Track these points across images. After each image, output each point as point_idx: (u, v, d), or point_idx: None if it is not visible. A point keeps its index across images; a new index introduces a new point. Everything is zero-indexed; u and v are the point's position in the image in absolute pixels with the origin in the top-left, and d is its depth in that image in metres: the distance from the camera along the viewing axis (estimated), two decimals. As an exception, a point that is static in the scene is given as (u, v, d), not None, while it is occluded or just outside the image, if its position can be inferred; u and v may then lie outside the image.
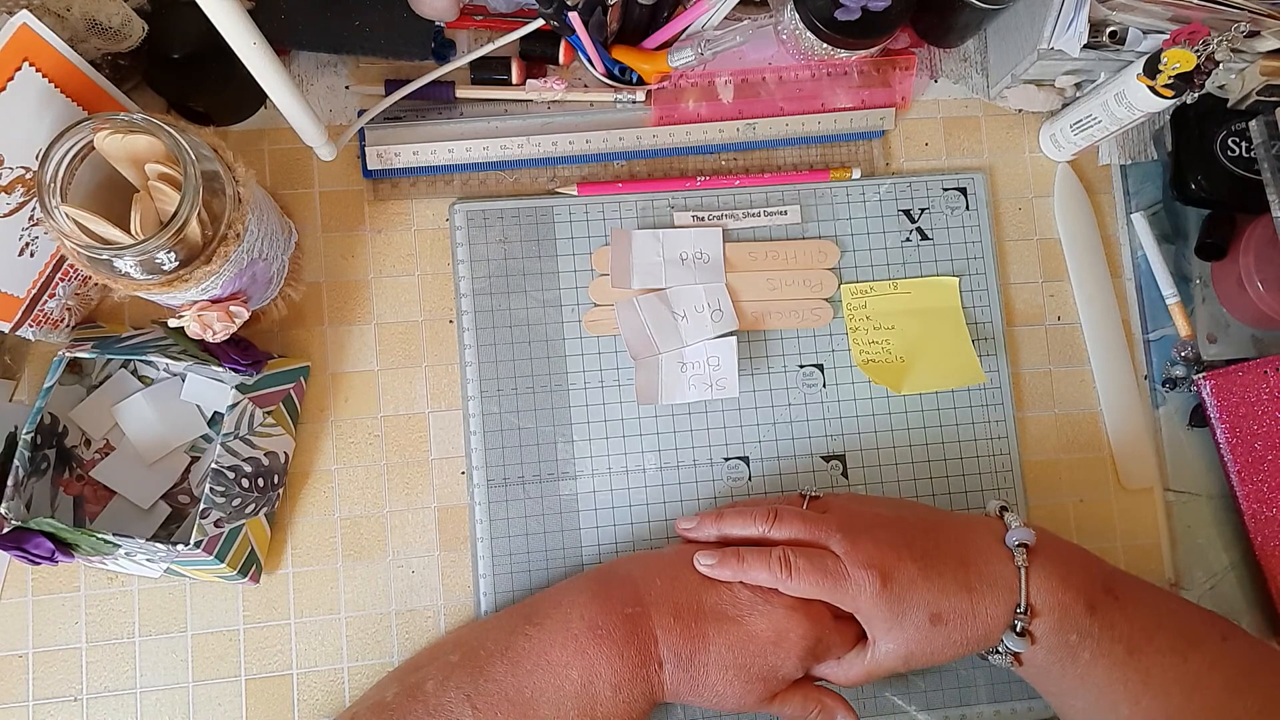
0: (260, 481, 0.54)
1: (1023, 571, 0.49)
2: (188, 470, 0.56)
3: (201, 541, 0.50)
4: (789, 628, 0.49)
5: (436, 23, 0.58)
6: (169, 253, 0.43)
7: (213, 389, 0.56)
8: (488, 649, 0.50)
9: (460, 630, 0.56)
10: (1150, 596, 0.52)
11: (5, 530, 0.49)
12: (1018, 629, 0.49)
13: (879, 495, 0.60)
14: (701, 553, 0.52)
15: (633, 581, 0.52)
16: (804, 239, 0.61)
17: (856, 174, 0.62)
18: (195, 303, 0.47)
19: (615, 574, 0.53)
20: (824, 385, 0.61)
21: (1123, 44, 0.57)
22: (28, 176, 0.47)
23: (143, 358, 0.54)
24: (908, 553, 0.49)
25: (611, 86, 0.61)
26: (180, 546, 0.49)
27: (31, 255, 0.49)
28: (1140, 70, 0.53)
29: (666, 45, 0.60)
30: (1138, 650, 0.49)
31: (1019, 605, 0.49)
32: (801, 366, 0.61)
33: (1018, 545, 0.50)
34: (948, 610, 0.49)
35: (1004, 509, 0.54)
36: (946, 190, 0.63)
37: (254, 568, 0.55)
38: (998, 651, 0.51)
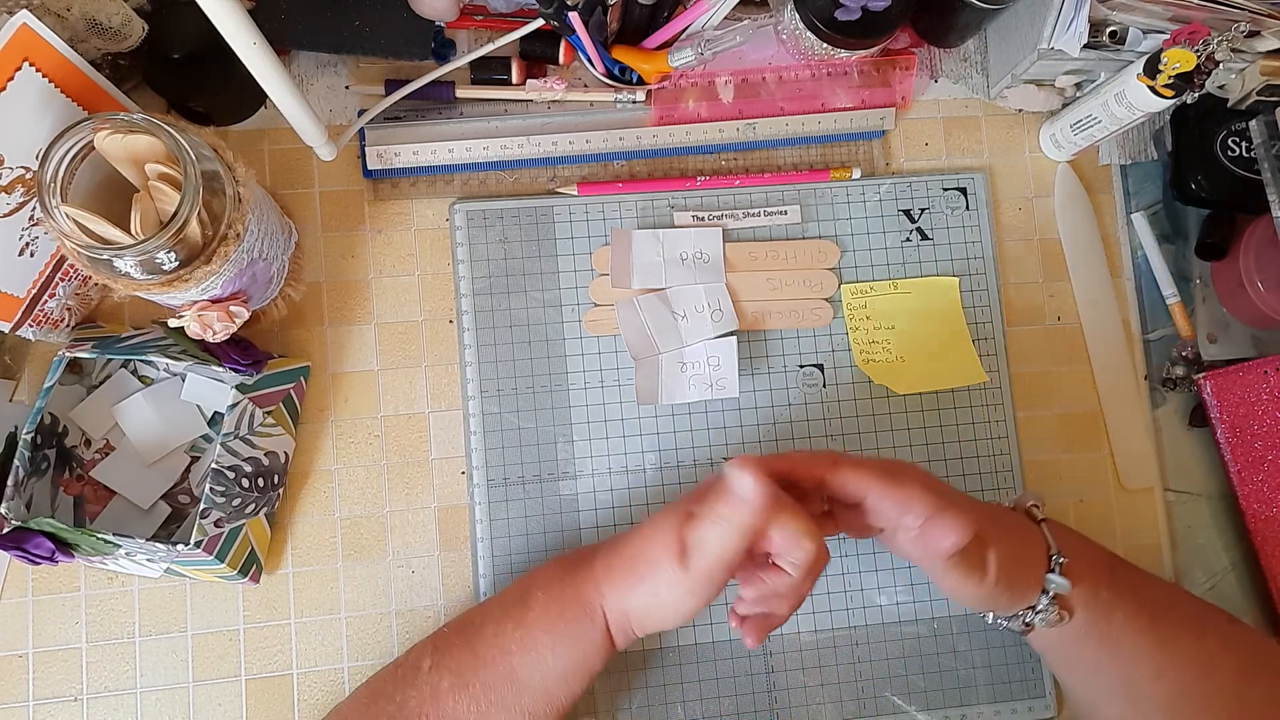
0: (260, 481, 0.54)
1: (1044, 526, 0.51)
2: (188, 470, 0.56)
3: (201, 541, 0.50)
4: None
5: (436, 23, 0.58)
6: (169, 253, 0.43)
7: (213, 389, 0.56)
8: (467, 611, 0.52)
9: None
10: (1153, 577, 0.54)
11: (5, 530, 0.49)
12: (1057, 570, 0.49)
13: None
14: None
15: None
16: (804, 239, 0.61)
17: (856, 174, 0.62)
18: (195, 303, 0.47)
19: None
20: (824, 385, 0.60)
21: (1123, 44, 0.57)
22: (28, 176, 0.47)
23: (143, 358, 0.54)
24: (946, 489, 0.49)
25: (611, 86, 0.61)
26: (180, 546, 0.49)
27: (31, 255, 0.49)
28: (1140, 70, 0.53)
29: (666, 45, 0.60)
30: (1159, 619, 0.50)
31: (1050, 549, 0.50)
32: (801, 366, 0.61)
33: (1031, 505, 0.52)
34: (991, 530, 0.48)
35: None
36: (946, 190, 0.63)
37: (254, 568, 0.55)
38: (1037, 610, 0.50)
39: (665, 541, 0.46)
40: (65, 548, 0.50)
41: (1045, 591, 0.49)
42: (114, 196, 0.45)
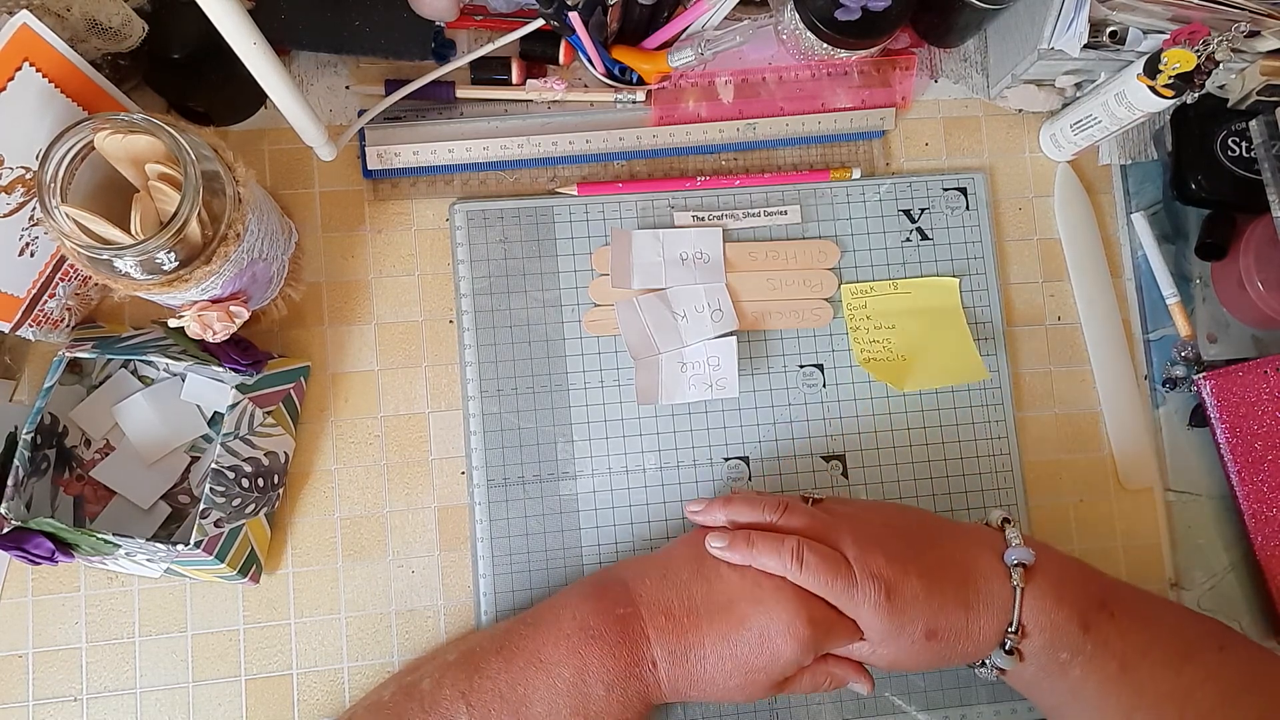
0: (260, 481, 0.54)
1: (1018, 592, 0.49)
2: (188, 470, 0.56)
3: (201, 541, 0.50)
4: (786, 618, 0.48)
5: (436, 23, 0.58)
6: (169, 253, 0.43)
7: (213, 389, 0.56)
8: (484, 647, 0.50)
9: (459, 636, 0.56)
10: (1148, 610, 0.52)
11: (5, 530, 0.49)
12: (1006, 647, 0.49)
13: (876, 500, 0.60)
14: (713, 534, 0.51)
15: (624, 583, 0.52)
16: (804, 239, 0.61)
17: (856, 174, 0.62)
18: (195, 303, 0.47)
19: (609, 577, 0.53)
20: (824, 385, 0.60)
21: (1123, 44, 0.57)
22: (28, 176, 0.47)
23: (143, 358, 0.54)
24: (914, 567, 0.49)
25: (611, 86, 0.61)
26: (180, 546, 0.49)
27: (31, 255, 0.49)
28: (1140, 70, 0.53)
29: (666, 45, 0.60)
30: (1131, 666, 0.49)
31: (1010, 625, 0.49)
32: (801, 366, 0.61)
33: (1015, 564, 0.50)
34: (944, 628, 0.49)
35: (1006, 521, 0.54)
36: (946, 190, 0.63)
37: (254, 568, 0.55)
38: (984, 665, 0.51)
39: (751, 691, 0.50)
40: (65, 548, 0.50)
41: (990, 657, 0.50)
42: (114, 196, 0.45)
